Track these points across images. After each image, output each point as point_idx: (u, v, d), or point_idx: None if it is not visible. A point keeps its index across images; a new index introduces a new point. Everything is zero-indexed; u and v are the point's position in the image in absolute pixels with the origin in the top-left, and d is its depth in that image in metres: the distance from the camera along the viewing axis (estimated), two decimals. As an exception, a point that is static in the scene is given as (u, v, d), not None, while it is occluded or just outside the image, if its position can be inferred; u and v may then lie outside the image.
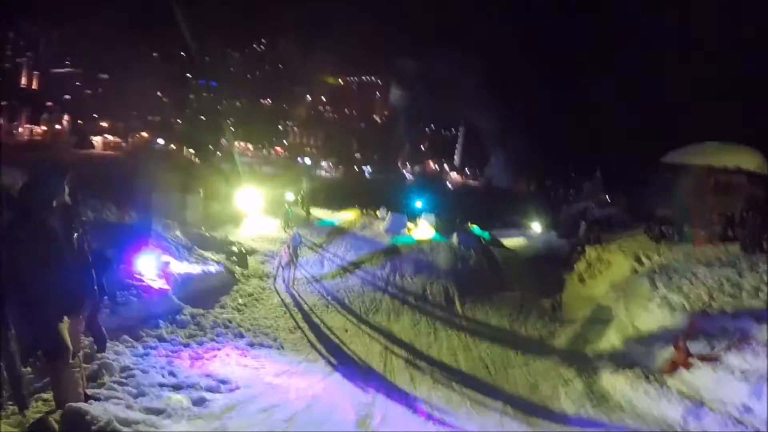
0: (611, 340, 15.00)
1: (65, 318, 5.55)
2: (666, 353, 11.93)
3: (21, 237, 5.31)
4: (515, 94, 78.08)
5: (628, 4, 77.38)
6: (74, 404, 5.53)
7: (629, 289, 18.34)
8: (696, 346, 11.18)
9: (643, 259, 20.75)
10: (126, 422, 5.67)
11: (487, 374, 12.61)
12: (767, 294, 13.24)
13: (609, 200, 36.67)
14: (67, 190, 5.74)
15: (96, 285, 6.18)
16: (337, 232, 27.56)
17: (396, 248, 24.33)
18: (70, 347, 5.58)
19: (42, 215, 5.36)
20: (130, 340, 9.59)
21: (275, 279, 18.85)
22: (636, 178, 40.11)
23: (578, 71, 78.41)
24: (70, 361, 5.69)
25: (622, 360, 13.12)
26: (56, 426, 5.36)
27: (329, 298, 17.68)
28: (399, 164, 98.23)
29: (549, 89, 78.45)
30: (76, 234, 5.77)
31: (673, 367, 11.24)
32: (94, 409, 5.56)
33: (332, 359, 11.86)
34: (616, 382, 11.64)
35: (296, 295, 17.42)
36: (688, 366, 10.82)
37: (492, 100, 79.95)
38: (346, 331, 14.70)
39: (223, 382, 8.40)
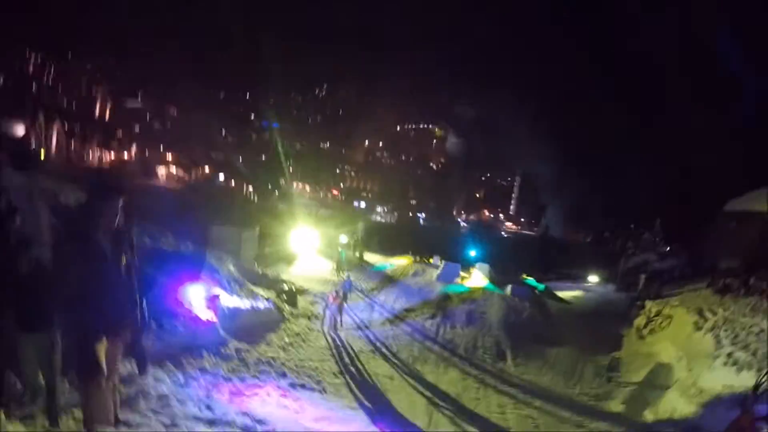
0: (672, 402, 14.21)
1: (104, 339, 5.57)
2: (731, 416, 11.23)
3: (71, 253, 5.42)
4: (573, 143, 77.33)
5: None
6: (101, 429, 5.49)
7: (692, 347, 17.49)
8: (763, 409, 10.49)
9: (707, 314, 19.75)
10: (152, 453, 5.38)
11: (537, 432, 12.14)
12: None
13: (669, 252, 35.33)
14: (121, 214, 5.79)
15: (140, 310, 6.28)
16: (389, 277, 27.59)
17: (448, 297, 24.06)
18: (104, 369, 5.55)
19: (93, 234, 5.44)
20: (173, 367, 9.71)
21: (323, 321, 18.89)
22: (697, 228, 38.73)
23: (637, 118, 76.86)
24: (102, 383, 5.66)
25: (683, 425, 12.44)
26: None
27: (376, 344, 17.53)
28: (454, 212, 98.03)
29: (607, 137, 76.99)
30: (125, 257, 5.80)
31: (738, 430, 10.56)
32: (121, 435, 5.32)
33: (374, 409, 11.65)
34: (676, 448, 11.03)
35: (342, 339, 17.33)
36: (754, 430, 10.14)
37: (548, 148, 79.39)
38: (391, 379, 14.49)
39: (261, 422, 8.19)
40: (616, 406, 14.65)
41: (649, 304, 24.97)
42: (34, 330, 5.96)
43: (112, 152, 76.35)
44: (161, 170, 76.31)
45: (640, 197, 61.82)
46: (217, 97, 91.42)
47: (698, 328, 18.73)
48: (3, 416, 5.56)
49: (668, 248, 35.70)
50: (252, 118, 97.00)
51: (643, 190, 63.44)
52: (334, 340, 16.84)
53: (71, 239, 5.63)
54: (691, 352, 17.04)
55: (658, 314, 23.26)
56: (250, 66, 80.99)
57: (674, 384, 15.49)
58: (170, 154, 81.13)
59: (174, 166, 79.66)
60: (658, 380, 16.40)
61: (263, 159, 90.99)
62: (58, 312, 5.76)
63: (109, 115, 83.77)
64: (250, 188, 75.87)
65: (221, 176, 79.94)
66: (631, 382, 16.53)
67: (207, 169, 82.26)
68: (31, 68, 79.65)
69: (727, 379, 13.61)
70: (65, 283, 5.49)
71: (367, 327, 19.38)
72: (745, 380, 12.78)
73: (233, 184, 78.08)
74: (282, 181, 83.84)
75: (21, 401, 6.12)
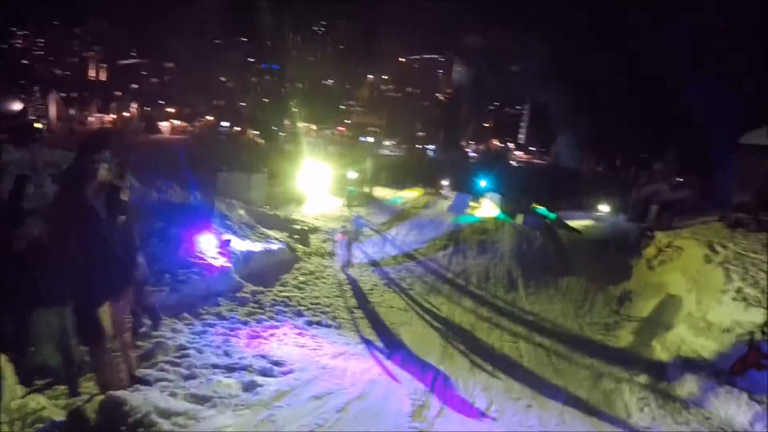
0: (680, 334, 14.50)
1: (104, 301, 5.59)
2: (738, 352, 11.49)
3: (64, 213, 5.43)
4: (585, 70, 75.17)
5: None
6: (114, 393, 5.47)
7: (702, 280, 17.64)
8: (772, 347, 10.72)
9: (718, 248, 19.80)
10: (165, 413, 5.50)
11: (549, 365, 12.51)
12: None
13: (682, 183, 35.05)
14: (114, 170, 5.79)
15: (140, 267, 6.20)
16: (400, 210, 27.62)
17: (459, 228, 24.18)
18: (106, 332, 5.62)
19: (82, 192, 5.35)
20: (190, 317, 9.99)
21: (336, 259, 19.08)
22: (713, 159, 38.23)
23: (653, 48, 74.23)
24: (108, 345, 5.75)
25: (690, 356, 12.74)
26: (93, 415, 5.27)
27: (389, 278, 17.72)
28: (463, 143, 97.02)
29: (621, 66, 74.74)
30: (122, 216, 5.73)
31: (744, 367, 10.82)
32: (134, 398, 5.47)
33: (389, 342, 11.97)
34: (683, 380, 11.34)
35: (356, 275, 17.48)
36: (760, 367, 10.39)
37: (560, 77, 77.39)
38: (405, 311, 14.78)
39: (278, 364, 8.48)
40: (625, 336, 15.02)
41: (659, 235, 25.00)
42: (44, 305, 5.96)
43: (113, 114, 76.92)
44: (164, 124, 76.15)
45: (654, 126, 60.88)
46: (214, 43, 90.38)
47: (708, 262, 18.82)
48: (25, 391, 5.64)
49: (681, 179, 35.35)
50: (251, 61, 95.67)
51: (658, 119, 62.34)
52: (348, 276, 17.02)
53: (63, 198, 5.55)
54: (701, 286, 17.20)
55: (668, 245, 23.32)
56: (246, 7, 78.79)
57: (683, 317, 15.76)
58: (172, 107, 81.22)
59: (177, 119, 79.54)
60: (667, 312, 16.67)
61: (266, 102, 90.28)
62: (64, 283, 5.70)
63: (107, 76, 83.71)
64: (256, 132, 75.35)
65: (225, 123, 79.42)
66: (640, 316, 16.77)
67: (211, 118, 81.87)
68: (21, 40, 79.50)
69: (735, 314, 13.79)
70: (64, 250, 5.46)
71: (378, 263, 19.43)
72: (754, 317, 13.00)
73: (238, 129, 77.57)
74: (287, 123, 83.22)
75: (42, 375, 6.20)
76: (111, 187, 5.70)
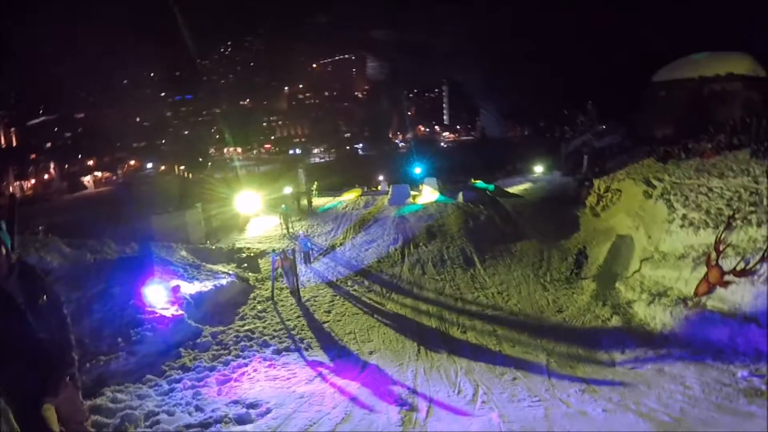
0: (639, 269, 14.74)
1: (47, 396, 4.68)
2: (698, 274, 11.65)
3: None
4: (494, 42, 76.88)
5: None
6: None
7: (646, 215, 18.07)
8: (728, 262, 10.88)
9: (654, 182, 20.38)
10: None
11: (523, 329, 12.37)
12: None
13: (606, 130, 36.06)
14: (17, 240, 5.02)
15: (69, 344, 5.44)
16: (342, 215, 27.19)
17: (404, 219, 23.95)
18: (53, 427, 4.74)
19: None
20: (153, 377, 9.26)
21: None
22: (629, 102, 39.70)
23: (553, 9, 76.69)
24: None
25: (654, 288, 12.89)
26: None
27: (347, 287, 17.04)
28: (390, 135, 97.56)
29: (527, 31, 76.78)
30: (43, 296, 4.78)
31: (708, 287, 10.96)
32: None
33: (362, 351, 11.53)
34: (654, 313, 11.41)
35: (313, 293, 16.58)
36: (724, 284, 10.52)
37: (471, 52, 78.89)
38: (371, 315, 14.30)
39: (253, 406, 7.95)
40: (588, 285, 15.08)
41: (597, 182, 25.60)
42: None
43: (32, 178, 72.83)
44: (87, 179, 73.04)
45: (569, 83, 62.83)
46: (122, 84, 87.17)
47: (648, 197, 19.32)
48: None
49: (604, 126, 36.36)
50: (162, 95, 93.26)
51: (571, 76, 64.40)
52: (299, 301, 16.24)
53: None
54: (647, 221, 17.61)
55: (607, 190, 23.90)
56: (149, 45, 76.58)
57: (638, 254, 16.02)
58: (91, 159, 77.71)
59: (99, 170, 76.49)
60: (621, 253, 16.95)
61: (186, 134, 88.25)
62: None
63: (17, 140, 78.98)
64: (182, 167, 73.43)
65: (149, 164, 76.92)
66: (597, 263, 16.95)
67: (134, 162, 79.25)
68: None
69: (686, 240, 14.09)
70: None
71: (331, 276, 18.76)
72: (704, 238, 13.26)
73: (163, 168, 75.38)
74: (212, 151, 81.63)
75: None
76: (22, 265, 4.94)
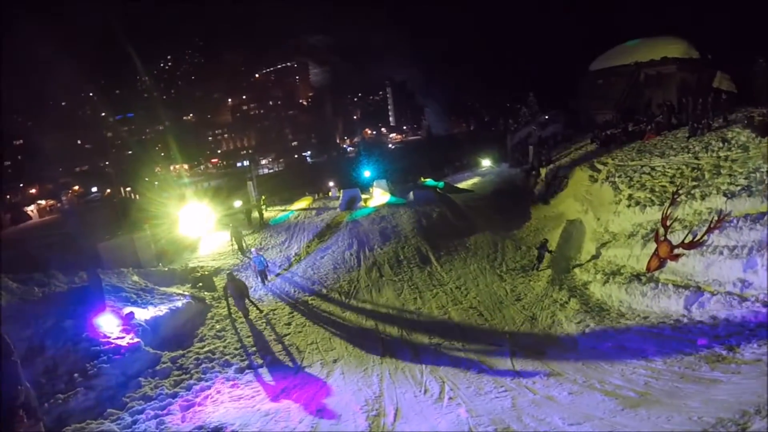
0: (591, 251, 15.00)
1: None
2: (648, 250, 11.88)
3: None
4: (432, 42, 77.71)
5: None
6: None
7: (594, 199, 18.39)
8: (676, 236, 11.13)
9: (598, 166, 20.82)
10: None
11: (484, 321, 12.38)
12: (729, 169, 13.27)
13: (548, 119, 36.76)
14: None
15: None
16: (295, 224, 26.73)
17: (357, 223, 23.70)
18: None
19: None
20: (115, 411, 8.81)
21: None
22: (569, 91, 40.69)
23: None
24: None
25: (608, 268, 13.09)
26: None
27: (304, 298, 16.77)
28: (337, 140, 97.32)
29: (465, 27, 77.92)
30: None
31: (659, 261, 11.22)
32: None
33: (327, 357, 11.31)
34: (610, 292, 11.58)
35: (271, 307, 16.16)
36: (674, 258, 10.77)
37: (409, 52, 79.53)
38: (332, 324, 14.01)
39: (218, 430, 7.72)
40: (543, 270, 15.14)
41: (543, 171, 25.97)
42: None
43: None
44: (30, 208, 69.80)
45: (509, 76, 64.12)
46: (60, 106, 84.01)
47: (594, 181, 19.69)
48: None
49: (546, 116, 37.05)
50: (102, 116, 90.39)
51: (511, 69, 65.84)
52: (265, 308, 15.88)
53: None
54: (595, 204, 17.93)
55: (554, 178, 24.27)
56: (86, 64, 74.07)
57: (589, 237, 16.29)
58: (32, 187, 74.52)
59: (42, 199, 73.15)
60: (573, 237, 17.17)
61: (130, 154, 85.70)
62: None
63: None
64: (128, 189, 71.14)
65: (94, 189, 74.12)
66: (550, 249, 17.12)
67: (77, 187, 76.23)
68: None
69: (633, 218, 14.45)
70: None
71: (290, 280, 18.50)
72: (651, 216, 13.60)
73: (108, 191, 72.66)
74: (157, 169, 79.41)
75: None
76: None
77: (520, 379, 8.26)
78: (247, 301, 14.98)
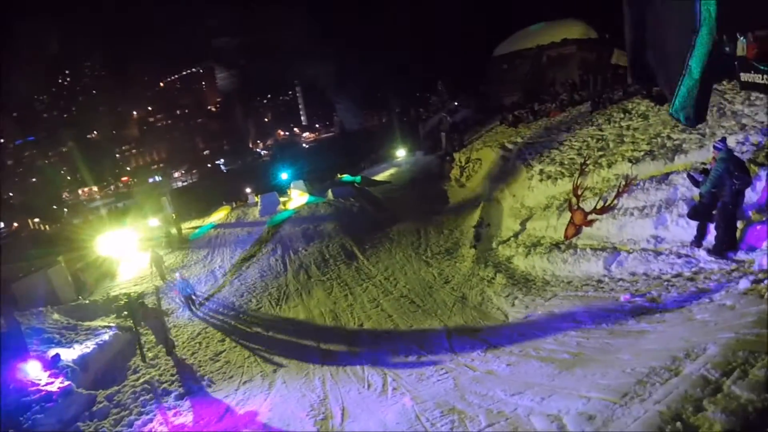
0: (510, 226, 15.42)
1: None
2: (564, 220, 12.31)
3: None
4: (337, 36, 77.56)
5: None
6: None
7: (508, 177, 18.90)
8: (588, 204, 11.59)
9: (509, 146, 21.41)
10: None
11: (416, 308, 12.41)
12: (632, 137, 13.97)
13: (458, 106, 37.49)
14: None
15: None
16: (216, 236, 25.95)
17: (278, 227, 23.32)
18: None
19: None
20: None
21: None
22: (476, 76, 41.81)
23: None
24: None
25: (528, 241, 13.48)
26: None
27: (236, 307, 16.41)
28: (250, 145, 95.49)
29: (367, 19, 78.21)
30: None
31: (575, 229, 11.66)
32: None
33: (266, 369, 10.98)
34: (533, 263, 11.91)
35: (203, 325, 15.64)
36: (589, 224, 11.21)
37: (316, 49, 78.99)
38: (266, 332, 13.68)
39: None
40: (467, 251, 15.37)
41: (457, 155, 26.46)
42: None
43: None
44: None
45: (416, 66, 65.14)
46: None
47: (506, 160, 20.26)
48: None
49: (456, 103, 37.75)
50: (0, 142, 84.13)
51: (418, 59, 66.90)
52: (197, 327, 15.25)
53: None
54: (509, 181, 18.43)
55: (468, 161, 24.79)
56: None
57: (507, 213, 16.72)
58: None
59: None
60: (491, 216, 17.56)
61: (34, 181, 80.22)
62: None
63: None
64: (36, 220, 66.31)
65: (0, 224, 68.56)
66: (469, 225, 17.46)
67: None
68: None
69: (546, 191, 15.07)
70: None
71: (217, 296, 17.87)
72: (563, 187, 14.23)
73: (15, 225, 67.53)
74: (65, 195, 74.89)
75: None
76: None
77: (458, 359, 8.31)
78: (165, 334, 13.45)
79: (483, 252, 14.80)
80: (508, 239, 14.53)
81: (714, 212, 7.89)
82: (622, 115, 16.82)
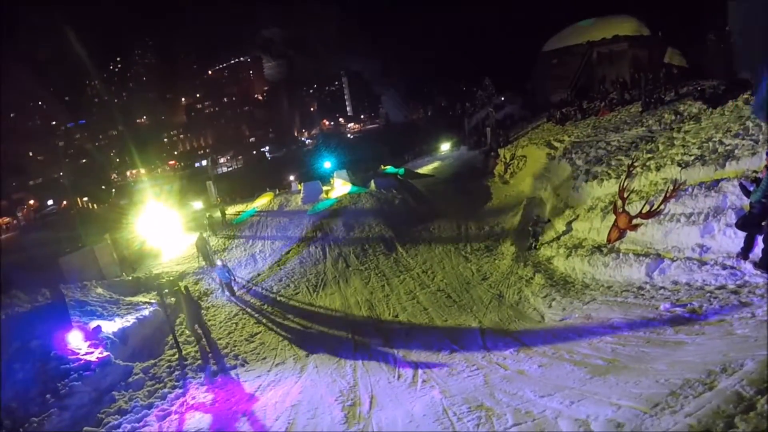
0: (554, 226, 15.19)
1: None
2: (608, 222, 12.09)
3: None
4: (386, 29, 77.48)
5: None
6: None
7: (552, 176, 18.64)
8: (634, 207, 11.34)
9: (556, 144, 21.10)
10: None
11: (452, 303, 12.45)
12: (682, 140, 13.57)
13: (504, 101, 37.15)
14: None
15: None
16: (258, 222, 26.36)
17: (320, 215, 23.54)
18: None
19: None
20: (91, 429, 8.50)
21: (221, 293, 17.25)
22: (524, 72, 41.27)
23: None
24: None
25: (569, 243, 13.29)
26: None
27: (275, 292, 16.65)
28: (295, 134, 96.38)
29: (418, 15, 77.82)
30: None
31: (619, 232, 11.43)
32: None
33: (300, 353, 11.18)
34: (573, 265, 11.75)
35: (243, 302, 16.10)
36: (633, 228, 10.98)
37: (364, 41, 79.10)
38: (301, 317, 13.89)
39: None
40: (508, 248, 15.32)
41: (502, 151, 26.23)
42: None
43: None
44: None
45: (464, 61, 64.61)
46: (6, 118, 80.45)
47: (552, 158, 19.96)
48: None
49: (502, 98, 37.44)
50: (53, 124, 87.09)
51: (465, 53, 66.30)
52: (234, 308, 15.59)
53: None
54: (554, 180, 18.17)
55: (513, 158, 24.55)
56: (31, 72, 71.20)
57: (549, 213, 16.51)
58: None
59: None
60: (533, 214, 17.36)
61: (84, 162, 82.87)
62: None
63: None
64: (85, 199, 68.67)
65: (50, 201, 71.29)
66: (512, 228, 17.31)
67: (33, 201, 73.29)
68: None
69: (592, 192, 14.70)
70: None
71: (255, 281, 18.15)
72: (609, 189, 13.88)
73: (65, 203, 70.04)
74: (113, 176, 77.16)
75: None
76: None
77: (491, 357, 8.29)
78: (197, 325, 13.03)
79: (522, 250, 14.71)
80: (551, 240, 14.36)
81: (763, 224, 7.62)
82: (673, 117, 16.39)
